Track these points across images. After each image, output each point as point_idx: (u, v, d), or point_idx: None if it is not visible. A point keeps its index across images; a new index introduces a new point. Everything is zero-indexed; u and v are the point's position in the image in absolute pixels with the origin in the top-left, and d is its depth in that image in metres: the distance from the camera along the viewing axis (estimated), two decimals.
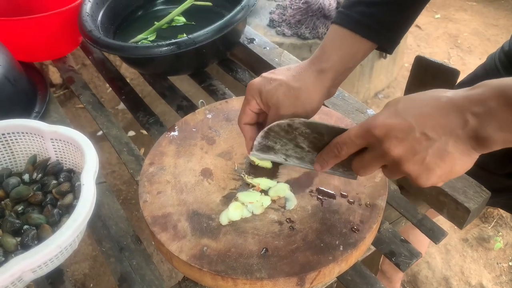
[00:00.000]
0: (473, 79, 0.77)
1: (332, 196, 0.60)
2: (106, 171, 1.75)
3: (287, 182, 0.63)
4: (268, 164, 0.64)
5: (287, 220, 0.58)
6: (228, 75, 0.92)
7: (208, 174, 0.64)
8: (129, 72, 2.09)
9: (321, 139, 0.52)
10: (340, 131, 0.50)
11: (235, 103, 0.76)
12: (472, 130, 0.41)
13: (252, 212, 0.58)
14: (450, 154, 0.43)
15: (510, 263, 1.41)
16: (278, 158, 0.57)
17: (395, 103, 0.46)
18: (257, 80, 0.57)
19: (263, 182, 0.61)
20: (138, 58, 0.83)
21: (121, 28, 1.00)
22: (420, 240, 0.98)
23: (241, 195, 0.60)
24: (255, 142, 0.56)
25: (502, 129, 0.39)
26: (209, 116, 0.74)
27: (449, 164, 0.43)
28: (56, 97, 1.97)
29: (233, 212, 0.57)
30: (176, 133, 0.71)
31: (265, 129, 0.54)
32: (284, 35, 1.75)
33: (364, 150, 0.48)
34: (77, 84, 0.92)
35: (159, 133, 0.78)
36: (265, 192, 0.61)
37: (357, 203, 0.59)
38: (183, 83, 1.07)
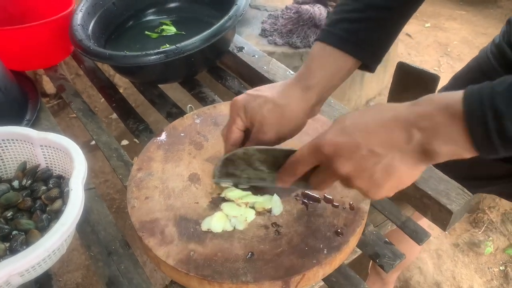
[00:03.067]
0: (466, 72, 0.79)
1: (317, 200, 0.61)
2: (99, 180, 1.75)
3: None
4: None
5: (273, 224, 0.58)
6: (217, 83, 0.93)
7: (195, 179, 0.65)
8: (122, 82, 2.10)
9: (277, 161, 0.54)
10: (292, 152, 0.52)
11: (223, 108, 0.77)
12: (418, 144, 0.42)
13: (235, 227, 0.58)
14: (396, 168, 0.44)
15: (501, 268, 1.42)
16: (241, 182, 0.60)
17: (342, 120, 0.47)
18: (241, 97, 0.59)
19: (247, 198, 0.61)
20: (127, 66, 0.84)
21: (112, 38, 1.01)
22: (411, 246, 0.99)
23: (225, 207, 0.60)
24: (216, 171, 0.59)
25: (447, 142, 0.40)
26: (197, 121, 0.75)
27: (397, 178, 0.45)
28: (50, 106, 1.98)
29: (216, 224, 0.58)
30: (164, 138, 0.72)
31: (223, 158, 0.57)
32: (275, 44, 1.77)
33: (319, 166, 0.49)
34: (68, 92, 0.93)
35: (148, 140, 0.79)
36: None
37: (341, 206, 0.60)
38: (174, 91, 1.08)
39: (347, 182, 0.48)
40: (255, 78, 0.90)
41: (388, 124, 0.43)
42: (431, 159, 0.43)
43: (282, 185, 0.55)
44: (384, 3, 0.56)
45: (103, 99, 2.13)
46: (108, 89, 0.94)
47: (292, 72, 0.88)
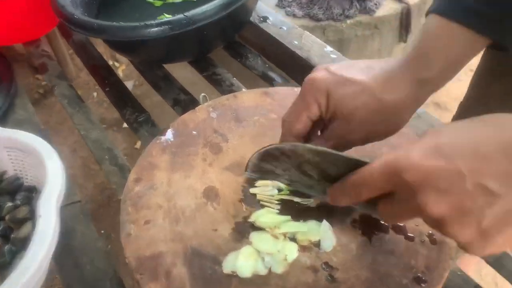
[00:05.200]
0: None
1: (383, 230, 0.44)
2: (100, 180, 1.55)
3: (319, 206, 0.46)
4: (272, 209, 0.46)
5: (324, 265, 0.42)
6: (236, 62, 0.75)
7: (213, 195, 0.48)
8: (124, 59, 1.92)
9: (334, 169, 0.38)
10: (359, 164, 0.35)
11: (246, 97, 0.59)
12: None
13: (270, 269, 0.41)
14: None
15: None
16: (280, 182, 0.45)
17: (435, 135, 0.32)
18: (322, 75, 0.41)
19: (286, 226, 0.44)
20: (122, 41, 0.67)
21: (106, 5, 0.83)
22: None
23: (256, 238, 0.43)
24: (250, 163, 0.44)
25: None
26: (214, 115, 0.57)
27: None
28: (45, 85, 1.80)
29: (243, 264, 0.41)
30: (170, 137, 0.55)
31: (262, 150, 0.42)
32: (294, 16, 1.57)
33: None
34: (51, 73, 0.76)
35: (150, 136, 0.62)
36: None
37: (418, 239, 0.43)
38: (182, 72, 0.90)
39: (436, 226, 0.32)
40: (284, 56, 0.72)
41: (510, 147, 0.29)
42: None
43: (333, 203, 0.39)
44: None
45: None
46: (100, 70, 0.77)
47: (331, 49, 0.70)
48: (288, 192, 0.47)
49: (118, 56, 2.04)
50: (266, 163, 0.44)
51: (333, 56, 0.69)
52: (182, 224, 0.46)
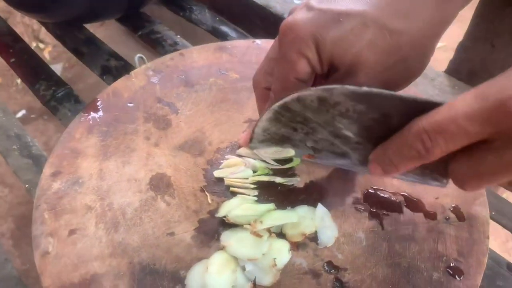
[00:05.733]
0: None
1: (396, 208, 0.34)
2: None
3: (308, 186, 0.35)
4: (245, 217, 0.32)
5: (327, 266, 0.31)
6: (177, 17, 0.61)
7: (163, 186, 0.35)
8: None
9: (385, 122, 0.26)
10: (426, 105, 0.23)
11: (196, 55, 0.46)
12: None
13: (255, 282, 0.30)
14: None
15: None
16: (299, 152, 0.31)
17: None
18: (301, 17, 0.28)
19: (270, 218, 0.32)
20: None
21: None
22: None
23: (230, 241, 0.31)
24: (257, 129, 0.29)
25: None
26: (155, 80, 0.44)
27: None
28: None
29: (215, 280, 0.29)
30: (99, 113, 0.41)
31: (276, 106, 0.28)
32: None
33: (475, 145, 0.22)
34: None
35: (74, 115, 0.47)
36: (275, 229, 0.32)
37: (441, 215, 0.33)
38: (111, 32, 0.74)
39: None
40: (236, 5, 0.59)
41: None
42: None
43: (379, 172, 0.26)
44: None
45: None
46: (2, 36, 0.60)
47: None
48: (267, 171, 0.35)
49: (42, 36, 1.79)
50: (281, 126, 0.30)
51: (297, 1, 0.57)
52: (124, 230, 0.33)
